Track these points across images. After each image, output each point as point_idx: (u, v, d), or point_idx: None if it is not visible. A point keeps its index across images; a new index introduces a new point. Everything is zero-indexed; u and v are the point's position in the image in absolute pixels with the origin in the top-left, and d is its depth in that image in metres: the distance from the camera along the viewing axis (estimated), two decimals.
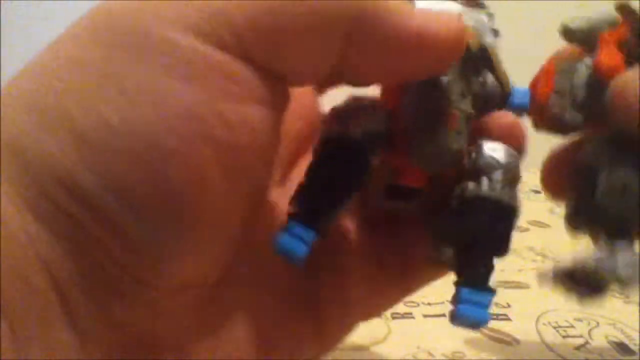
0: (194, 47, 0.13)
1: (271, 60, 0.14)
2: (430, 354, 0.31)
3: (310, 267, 0.18)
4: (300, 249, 0.16)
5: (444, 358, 0.31)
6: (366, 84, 0.17)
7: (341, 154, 0.16)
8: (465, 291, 0.16)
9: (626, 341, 0.33)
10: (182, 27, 0.13)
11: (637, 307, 0.37)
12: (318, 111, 0.21)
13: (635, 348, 0.32)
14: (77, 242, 0.13)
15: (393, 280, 0.20)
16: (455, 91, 0.16)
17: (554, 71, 0.20)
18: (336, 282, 0.19)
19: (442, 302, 0.37)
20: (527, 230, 0.50)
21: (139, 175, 0.13)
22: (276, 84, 0.15)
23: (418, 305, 0.36)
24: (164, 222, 0.13)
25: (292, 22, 0.14)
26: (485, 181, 0.16)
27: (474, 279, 0.17)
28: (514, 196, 0.16)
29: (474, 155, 0.17)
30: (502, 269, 0.42)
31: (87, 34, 0.14)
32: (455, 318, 0.16)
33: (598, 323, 0.35)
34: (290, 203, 0.17)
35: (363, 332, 0.33)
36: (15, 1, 0.59)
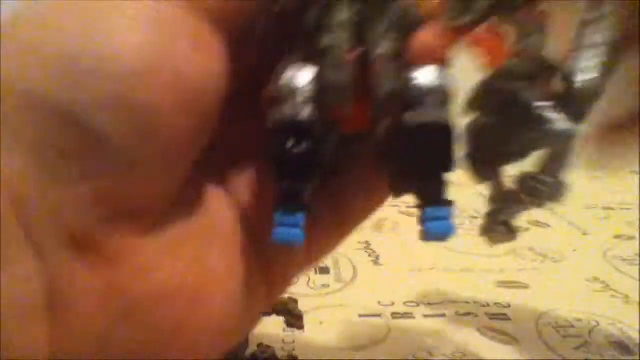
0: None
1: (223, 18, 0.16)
2: (430, 354, 0.31)
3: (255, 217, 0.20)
4: (298, 237, 0.17)
5: (444, 358, 0.31)
6: None
7: (299, 139, 0.17)
8: (427, 210, 0.18)
9: (626, 341, 0.33)
10: None
11: (637, 307, 0.37)
12: None
13: (635, 348, 0.32)
14: (42, 153, 0.14)
15: (329, 219, 0.21)
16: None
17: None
18: None
19: (442, 302, 0.37)
20: (527, 230, 0.50)
21: (106, 94, 0.14)
22: (227, 37, 0.16)
23: (418, 305, 0.36)
24: (132, 137, 0.15)
25: None
26: (419, 108, 0.17)
27: (431, 197, 0.18)
28: (447, 115, 0.18)
29: (406, 85, 0.18)
30: (502, 269, 0.42)
31: None
32: (425, 236, 0.18)
33: (598, 323, 0.35)
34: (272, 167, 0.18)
35: (363, 332, 0.33)
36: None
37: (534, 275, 0.42)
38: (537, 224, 0.51)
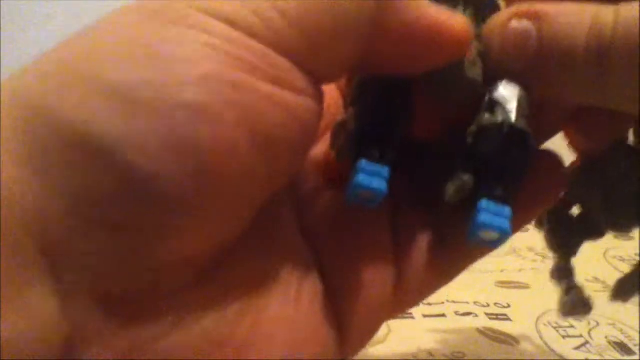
0: (222, 31, 0.14)
1: (305, 55, 0.15)
2: (430, 354, 0.31)
3: (327, 262, 0.18)
4: (382, 185, 0.16)
5: (444, 358, 0.31)
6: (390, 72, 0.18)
7: (387, 93, 0.18)
8: (484, 201, 0.16)
9: (626, 341, 0.33)
10: (217, 16, 0.14)
11: (637, 307, 0.37)
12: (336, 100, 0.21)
13: (635, 348, 0.32)
14: (78, 197, 0.13)
15: (418, 272, 0.20)
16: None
17: None
18: (357, 279, 0.19)
19: (442, 302, 0.37)
20: (527, 230, 0.49)
21: (162, 128, 0.12)
22: (310, 78, 0.15)
23: (418, 305, 0.36)
24: (183, 181, 0.13)
25: (324, 21, 0.15)
26: (500, 110, 0.17)
27: (493, 193, 0.17)
28: (526, 123, 0.17)
29: (488, 94, 0.18)
30: (502, 269, 0.42)
31: (125, 9, 0.14)
32: (475, 229, 0.16)
33: (598, 323, 0.35)
34: (341, 152, 0.18)
35: None
36: (16, 1, 0.59)
37: (534, 275, 0.42)
38: None
